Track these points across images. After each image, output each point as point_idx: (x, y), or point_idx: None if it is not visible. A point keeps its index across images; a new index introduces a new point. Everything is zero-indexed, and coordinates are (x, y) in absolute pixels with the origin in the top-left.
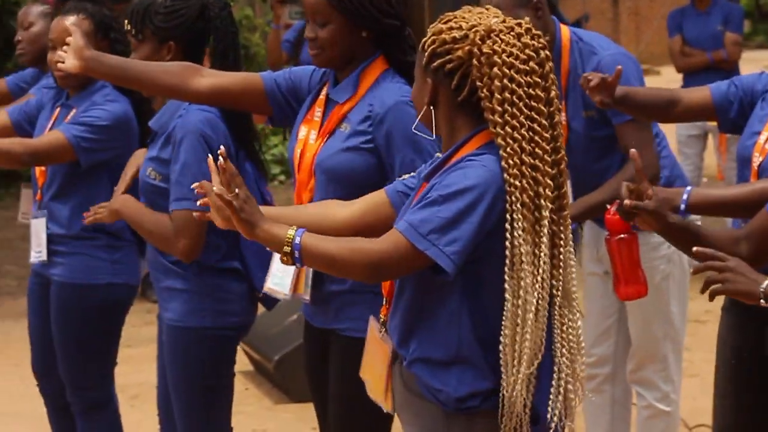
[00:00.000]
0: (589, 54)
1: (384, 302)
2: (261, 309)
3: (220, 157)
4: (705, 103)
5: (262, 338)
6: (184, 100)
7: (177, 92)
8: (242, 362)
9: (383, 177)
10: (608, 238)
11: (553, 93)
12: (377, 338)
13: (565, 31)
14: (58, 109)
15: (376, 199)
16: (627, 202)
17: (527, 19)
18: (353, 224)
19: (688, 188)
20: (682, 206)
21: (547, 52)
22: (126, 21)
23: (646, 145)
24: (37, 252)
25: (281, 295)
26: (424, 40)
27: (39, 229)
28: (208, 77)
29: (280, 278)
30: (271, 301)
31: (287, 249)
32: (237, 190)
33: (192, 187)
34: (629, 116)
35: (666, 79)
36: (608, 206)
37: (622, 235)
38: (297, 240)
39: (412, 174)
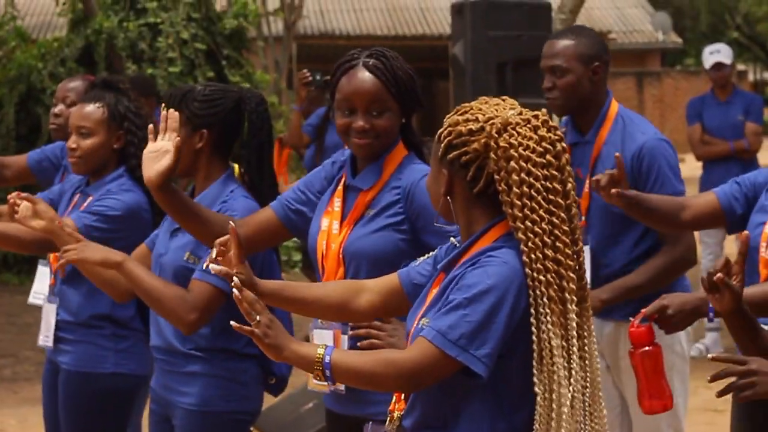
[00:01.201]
0: (634, 132)
1: (393, 399)
2: (278, 397)
3: (235, 289)
4: (712, 205)
5: (277, 426)
6: None
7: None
8: None
9: (414, 255)
10: (632, 351)
11: (569, 185)
12: None
13: (614, 105)
14: (77, 196)
15: (390, 287)
16: (720, 275)
17: (544, 111)
18: (371, 314)
19: None
20: (711, 314)
21: (564, 144)
22: (163, 104)
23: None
24: (45, 336)
25: (325, 389)
26: (440, 131)
27: (49, 313)
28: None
29: None
30: (277, 388)
31: (318, 368)
32: (258, 318)
33: (208, 267)
34: None
35: (690, 167)
36: (631, 319)
37: (646, 348)
38: (327, 359)
39: (428, 256)
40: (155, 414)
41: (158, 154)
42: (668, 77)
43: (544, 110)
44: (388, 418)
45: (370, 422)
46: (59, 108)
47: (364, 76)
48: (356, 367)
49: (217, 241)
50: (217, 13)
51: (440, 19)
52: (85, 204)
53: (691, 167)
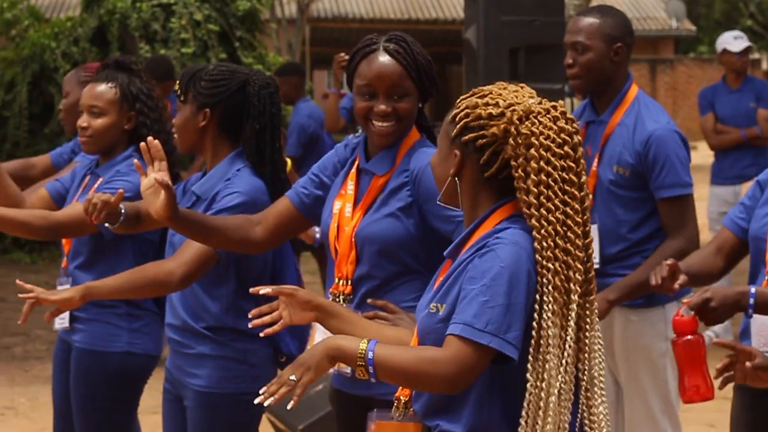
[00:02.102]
0: (647, 119)
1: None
2: None
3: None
4: (731, 239)
5: (287, 409)
6: (250, 253)
7: (245, 246)
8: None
9: (424, 239)
10: (675, 340)
11: (583, 178)
12: (394, 424)
13: (634, 89)
14: (87, 177)
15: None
16: (748, 364)
17: (562, 102)
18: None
19: (753, 290)
20: (750, 311)
21: (580, 138)
22: (177, 82)
23: (688, 221)
24: (61, 318)
25: (348, 373)
26: (455, 111)
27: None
28: (259, 225)
29: None
30: None
31: (361, 364)
32: (291, 376)
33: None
34: (671, 192)
35: (702, 154)
36: (678, 307)
37: (689, 337)
38: (370, 356)
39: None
40: (168, 393)
41: (155, 188)
42: (681, 65)
43: (561, 101)
44: (395, 405)
45: (375, 410)
46: (62, 103)
47: (386, 60)
48: (400, 364)
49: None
50: None
51: (453, 3)
52: (96, 185)
53: (703, 155)
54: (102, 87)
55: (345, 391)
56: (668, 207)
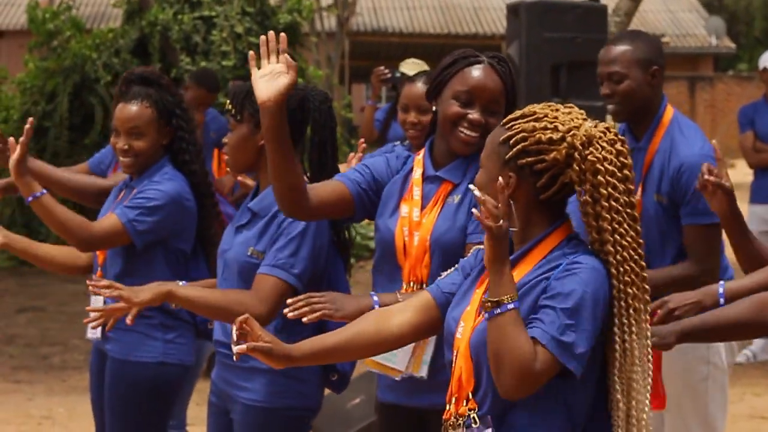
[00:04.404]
0: (680, 145)
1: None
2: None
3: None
4: None
5: (325, 421)
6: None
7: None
8: None
9: None
10: None
11: (636, 199)
12: None
13: (669, 110)
14: (122, 192)
15: (423, 304)
16: (709, 177)
17: (612, 123)
18: (409, 334)
19: (721, 290)
20: (722, 299)
21: (630, 160)
22: (228, 101)
23: (711, 252)
24: (93, 329)
25: (395, 374)
26: (509, 134)
27: (97, 306)
28: (311, 193)
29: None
30: (340, 385)
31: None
32: None
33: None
34: (697, 221)
35: (741, 173)
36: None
37: None
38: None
39: (456, 267)
40: (214, 406)
41: (271, 75)
42: (721, 82)
43: (612, 122)
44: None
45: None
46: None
47: (492, 74)
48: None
49: (239, 319)
50: (271, 7)
51: (493, 18)
52: (130, 197)
53: (742, 173)
54: (136, 107)
55: (394, 404)
56: (694, 234)
